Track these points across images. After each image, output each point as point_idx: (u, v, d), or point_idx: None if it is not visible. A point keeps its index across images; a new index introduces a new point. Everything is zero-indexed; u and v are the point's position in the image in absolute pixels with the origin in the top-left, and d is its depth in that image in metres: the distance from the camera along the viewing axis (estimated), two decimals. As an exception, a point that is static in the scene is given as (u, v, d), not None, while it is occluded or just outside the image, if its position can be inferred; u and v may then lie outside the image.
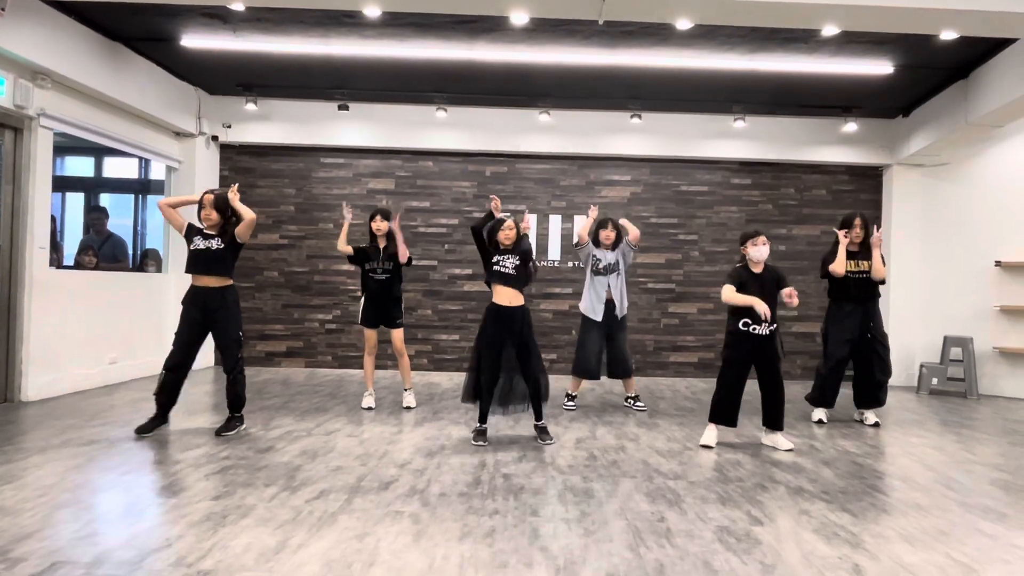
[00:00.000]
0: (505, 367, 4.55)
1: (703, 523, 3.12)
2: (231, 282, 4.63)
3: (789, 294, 4.43)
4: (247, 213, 4.58)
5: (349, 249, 5.51)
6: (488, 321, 4.58)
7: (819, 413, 5.69)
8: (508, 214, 4.72)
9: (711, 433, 4.71)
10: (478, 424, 4.65)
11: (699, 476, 3.92)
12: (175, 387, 4.54)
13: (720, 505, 3.39)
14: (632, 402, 6.08)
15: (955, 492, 3.73)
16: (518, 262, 4.56)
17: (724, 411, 4.66)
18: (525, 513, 3.19)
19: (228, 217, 4.64)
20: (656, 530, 3.01)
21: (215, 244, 4.52)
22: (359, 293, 5.72)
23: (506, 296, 4.55)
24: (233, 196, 4.58)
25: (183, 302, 4.54)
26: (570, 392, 6.06)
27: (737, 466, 4.17)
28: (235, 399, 4.67)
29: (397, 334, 5.67)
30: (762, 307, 4.34)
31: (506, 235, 4.58)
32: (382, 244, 5.59)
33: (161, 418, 4.61)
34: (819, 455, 4.53)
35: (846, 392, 5.94)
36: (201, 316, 4.49)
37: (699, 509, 3.32)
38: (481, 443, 4.52)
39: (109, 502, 3.20)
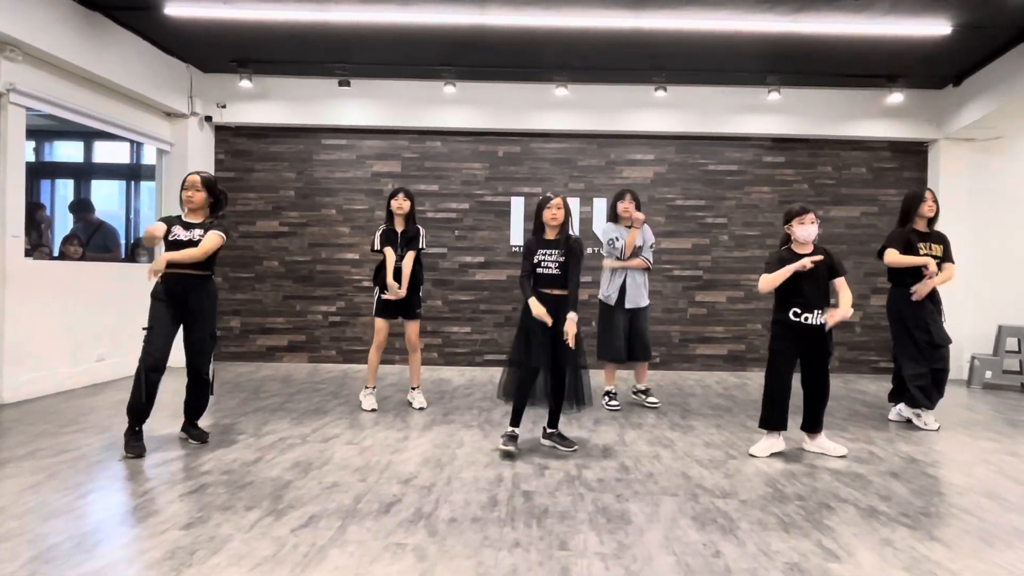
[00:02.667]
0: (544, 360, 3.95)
1: (768, 559, 2.58)
2: (210, 273, 4.12)
3: (832, 316, 3.91)
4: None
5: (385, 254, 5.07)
6: (526, 309, 3.93)
7: (931, 419, 4.95)
8: (550, 193, 4.09)
9: (766, 443, 4.13)
10: (510, 428, 4.06)
11: (750, 493, 3.37)
12: (155, 392, 4.00)
13: (783, 533, 2.85)
14: (643, 396, 5.54)
15: (1058, 513, 3.16)
16: (563, 259, 3.93)
17: (778, 412, 4.08)
18: (552, 546, 2.66)
19: (217, 199, 4.15)
20: (712, 569, 2.48)
21: (198, 236, 3.99)
22: (373, 284, 5.22)
23: (549, 289, 3.95)
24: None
25: (155, 294, 3.98)
26: (609, 389, 5.50)
27: (792, 479, 3.62)
28: (204, 405, 4.17)
29: (414, 327, 5.16)
30: (801, 263, 3.90)
31: (552, 215, 3.93)
32: (400, 227, 5.10)
33: (141, 429, 4.09)
34: (883, 464, 3.96)
35: (876, 388, 5.34)
36: (177, 309, 3.97)
37: (759, 539, 2.77)
38: (508, 448, 3.96)
39: (59, 533, 2.70)
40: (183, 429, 4.21)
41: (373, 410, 5.14)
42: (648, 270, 5.41)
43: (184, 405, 4.19)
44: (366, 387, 5.26)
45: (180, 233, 3.99)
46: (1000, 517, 3.10)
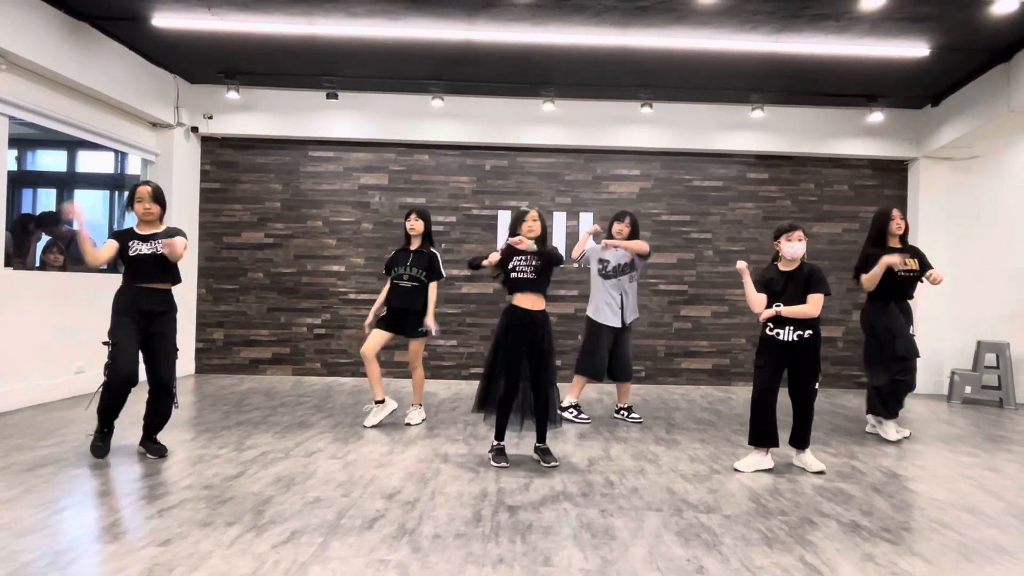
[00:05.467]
0: (523, 377, 4.04)
1: (751, 574, 2.58)
2: (173, 287, 4.09)
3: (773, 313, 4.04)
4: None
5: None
6: (506, 325, 4.03)
7: (894, 428, 5.07)
8: (528, 204, 4.17)
9: (752, 459, 4.14)
10: (495, 442, 4.14)
11: (734, 508, 3.38)
12: (122, 403, 4.00)
13: (766, 548, 2.86)
14: (625, 413, 5.55)
15: (1036, 528, 3.20)
16: (536, 263, 4.01)
17: (761, 428, 4.11)
18: (535, 562, 2.65)
19: (164, 211, 4.11)
20: (696, 585, 2.48)
21: (160, 248, 3.95)
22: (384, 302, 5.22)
23: (527, 300, 4.03)
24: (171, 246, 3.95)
25: (119, 309, 3.96)
26: (573, 400, 5.52)
27: (775, 494, 3.63)
28: (166, 419, 4.08)
29: (415, 345, 5.11)
30: (757, 308, 4.06)
31: (529, 227, 4.02)
32: (414, 246, 5.08)
33: (109, 431, 4.05)
34: (865, 479, 3.99)
35: (859, 402, 5.39)
36: (143, 323, 3.95)
37: (743, 554, 2.78)
38: (503, 464, 4.03)
39: (31, 552, 2.64)
40: (141, 443, 4.15)
41: (373, 426, 5.04)
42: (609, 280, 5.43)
43: (144, 419, 4.11)
44: (373, 404, 5.20)
45: (142, 247, 3.95)
46: (980, 532, 3.13)
